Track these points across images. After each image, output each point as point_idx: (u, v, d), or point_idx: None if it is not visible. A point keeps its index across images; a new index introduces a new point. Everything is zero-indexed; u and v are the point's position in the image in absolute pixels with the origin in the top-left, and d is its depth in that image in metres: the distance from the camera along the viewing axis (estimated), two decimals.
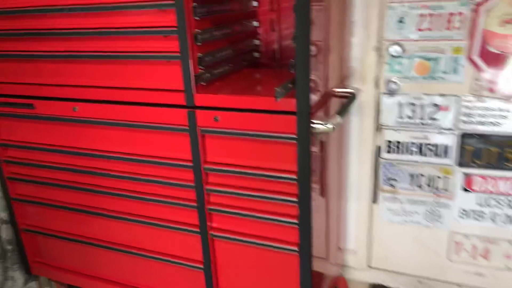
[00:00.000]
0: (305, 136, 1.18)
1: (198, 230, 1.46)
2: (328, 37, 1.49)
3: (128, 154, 1.48)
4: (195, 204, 1.43)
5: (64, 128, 1.56)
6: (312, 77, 1.42)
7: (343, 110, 1.37)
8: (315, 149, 1.58)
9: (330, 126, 1.19)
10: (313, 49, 1.43)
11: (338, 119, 1.24)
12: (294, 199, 1.28)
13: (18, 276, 2.04)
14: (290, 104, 1.17)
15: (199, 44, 1.26)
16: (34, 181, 1.71)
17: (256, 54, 1.69)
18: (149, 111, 1.37)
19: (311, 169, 1.23)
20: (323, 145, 1.61)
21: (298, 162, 1.22)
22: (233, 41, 1.50)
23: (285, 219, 1.31)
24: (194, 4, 1.22)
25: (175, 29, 1.22)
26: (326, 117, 1.33)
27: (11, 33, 1.48)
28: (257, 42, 1.67)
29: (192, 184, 1.40)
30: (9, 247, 2.07)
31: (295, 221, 1.30)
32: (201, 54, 1.28)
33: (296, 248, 1.33)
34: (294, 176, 1.25)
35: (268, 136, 1.25)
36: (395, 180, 1.75)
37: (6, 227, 2.01)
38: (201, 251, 1.47)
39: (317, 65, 1.45)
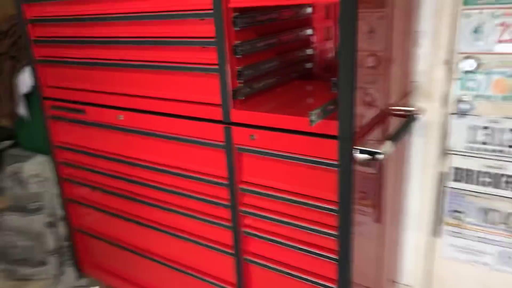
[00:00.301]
0: (347, 164, 1.04)
1: (232, 251, 1.37)
2: (390, 47, 1.32)
3: (167, 166, 1.44)
4: (229, 225, 1.34)
5: (110, 135, 1.57)
6: (370, 90, 1.28)
7: (397, 135, 1.20)
8: (371, 169, 1.43)
9: (378, 155, 1.03)
10: (372, 60, 1.28)
11: (388, 146, 1.08)
12: (333, 232, 1.14)
13: (71, 272, 2.13)
14: (331, 127, 1.04)
15: (238, 56, 1.17)
16: (85, 184, 1.75)
17: (309, 65, 1.57)
18: (187, 124, 1.31)
19: (353, 200, 1.08)
20: (380, 165, 1.44)
21: (339, 192, 1.08)
22: (281, 51, 1.39)
23: (322, 252, 1.18)
24: (235, 14, 1.13)
25: (213, 40, 1.15)
26: (380, 140, 1.17)
27: (66, 40, 1.52)
28: (310, 51, 1.55)
29: (227, 203, 1.32)
30: (65, 243, 2.17)
31: (333, 256, 1.16)
32: (241, 68, 1.19)
33: (333, 286, 1.19)
34: (334, 207, 1.12)
35: (306, 160, 1.12)
36: (461, 212, 1.52)
37: (62, 224, 2.11)
38: (234, 274, 1.39)
39: (376, 77, 1.30)
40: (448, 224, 1.57)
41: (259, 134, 1.18)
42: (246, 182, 1.28)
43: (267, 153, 1.19)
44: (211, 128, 1.26)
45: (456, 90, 1.41)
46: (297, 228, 1.21)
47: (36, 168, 2.11)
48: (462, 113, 1.41)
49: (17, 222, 2.22)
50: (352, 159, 1.04)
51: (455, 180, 1.50)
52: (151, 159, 1.48)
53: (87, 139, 1.66)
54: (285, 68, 1.42)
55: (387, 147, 1.07)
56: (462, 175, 1.48)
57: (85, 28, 1.45)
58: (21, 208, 2.20)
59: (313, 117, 0.94)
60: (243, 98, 1.22)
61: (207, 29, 1.15)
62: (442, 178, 1.53)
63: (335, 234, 1.13)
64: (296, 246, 1.22)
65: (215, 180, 1.32)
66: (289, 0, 1.04)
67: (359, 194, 1.42)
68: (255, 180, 1.26)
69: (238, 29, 1.15)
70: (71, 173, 1.80)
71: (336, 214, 1.11)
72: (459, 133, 1.44)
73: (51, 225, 2.14)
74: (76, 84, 1.58)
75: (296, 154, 1.13)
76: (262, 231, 1.30)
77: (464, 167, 1.47)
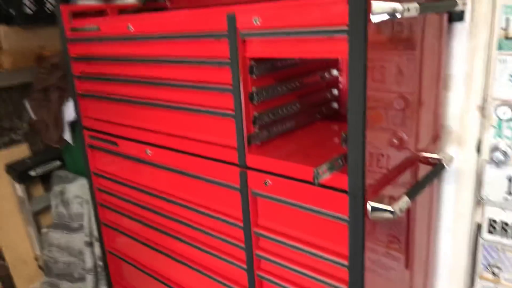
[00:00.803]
0: (358, 220, 1.00)
1: None
2: (419, 89, 1.27)
3: (188, 201, 1.47)
4: (245, 267, 1.34)
5: (139, 168, 1.63)
6: (398, 134, 1.24)
7: (421, 186, 1.14)
8: (409, 216, 1.37)
9: (392, 214, 0.99)
10: (400, 102, 1.24)
11: (404, 203, 1.03)
12: (344, 286, 1.10)
13: None
14: (342, 180, 1.01)
15: (255, 103, 1.18)
16: (116, 210, 1.83)
17: (335, 105, 1.54)
18: (205, 164, 1.34)
19: (364, 256, 1.04)
20: (409, 209, 1.38)
21: (349, 248, 1.04)
22: (303, 94, 1.38)
23: None
24: (252, 63, 1.14)
25: (229, 87, 1.17)
26: (402, 192, 1.12)
27: (104, 77, 1.61)
28: (336, 92, 1.52)
29: (242, 245, 1.32)
30: (100, 263, 2.27)
31: None
32: (257, 113, 1.19)
33: None
34: (344, 262, 1.08)
35: (317, 211, 1.10)
36: (498, 268, 1.41)
37: (98, 244, 2.21)
38: None
39: (405, 120, 1.25)
40: (483, 278, 1.45)
41: (273, 180, 1.17)
42: (261, 227, 1.27)
43: (280, 200, 1.18)
44: (228, 170, 1.27)
45: (491, 138, 1.32)
46: (310, 279, 1.18)
47: (78, 190, 2.24)
48: (499, 163, 1.31)
49: (60, 239, 2.37)
50: (364, 215, 1.00)
51: (491, 232, 1.39)
52: (174, 193, 1.52)
53: (119, 168, 1.74)
54: (308, 110, 1.41)
55: (402, 204, 1.02)
56: (499, 228, 1.37)
57: (120, 68, 1.53)
58: (64, 226, 2.34)
59: (317, 175, 0.92)
60: (260, 142, 1.22)
61: (225, 76, 1.17)
62: (477, 229, 1.42)
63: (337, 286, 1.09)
64: None
65: (231, 221, 1.33)
66: (302, 54, 1.03)
67: (388, 238, 1.36)
68: (271, 225, 1.25)
69: (255, 77, 1.16)
70: (105, 199, 1.88)
71: (346, 268, 1.07)
72: (495, 183, 1.34)
73: (89, 244, 2.25)
74: (111, 117, 1.67)
75: (307, 204, 1.11)
76: (277, 277, 1.28)
77: (501, 219, 1.36)
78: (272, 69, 1.22)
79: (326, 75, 1.48)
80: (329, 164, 0.96)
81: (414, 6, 0.90)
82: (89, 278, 2.31)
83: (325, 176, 0.96)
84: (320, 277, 1.15)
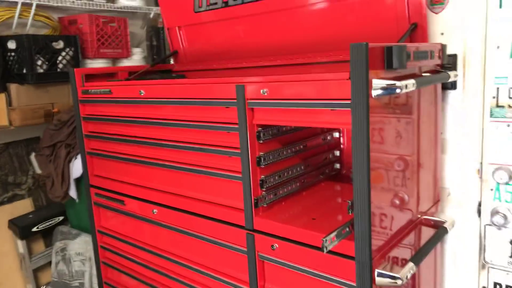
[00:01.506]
0: (366, 286, 1.01)
1: None
2: (418, 151, 1.32)
3: (193, 262, 1.47)
4: None
5: (146, 227, 1.64)
6: (400, 194, 1.27)
7: (424, 251, 1.16)
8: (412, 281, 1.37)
9: (398, 281, 1.00)
10: (400, 163, 1.29)
11: (409, 268, 1.04)
12: None
13: None
14: (349, 247, 1.03)
15: (262, 166, 1.22)
16: (120, 270, 1.81)
17: (337, 165, 1.59)
18: (213, 226, 1.36)
19: None
20: (415, 275, 1.38)
21: None
22: (307, 156, 1.43)
23: None
24: (259, 129, 1.20)
25: (238, 151, 1.22)
26: (406, 257, 1.13)
27: (112, 137, 1.67)
28: (337, 153, 1.57)
29: None
30: None
31: None
32: (264, 176, 1.23)
33: None
34: None
35: (325, 277, 1.11)
36: None
37: None
38: None
39: (405, 181, 1.29)
40: None
41: (280, 245, 1.19)
42: None
43: (287, 265, 1.19)
44: (235, 232, 1.29)
45: (490, 201, 1.35)
46: None
47: (80, 247, 2.22)
48: (499, 226, 1.34)
49: None
50: (371, 282, 1.01)
51: None
52: (178, 254, 1.52)
53: (124, 227, 1.75)
54: (311, 171, 1.45)
55: (408, 271, 1.03)
56: None
57: (130, 129, 1.59)
58: (64, 285, 2.30)
59: (326, 244, 0.94)
60: (266, 205, 1.25)
61: (233, 140, 1.22)
62: None
63: None
64: None
65: (238, 284, 1.33)
66: (307, 123, 1.09)
67: None
68: None
69: (262, 141, 1.21)
70: (108, 257, 1.87)
71: None
72: (498, 246, 1.36)
73: None
74: (118, 176, 1.70)
75: (315, 270, 1.12)
76: None
77: (505, 283, 1.36)
78: (278, 134, 1.28)
79: (328, 137, 1.54)
80: (337, 232, 0.99)
81: (412, 82, 0.97)
82: None
83: (333, 244, 0.98)
84: None
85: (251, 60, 1.76)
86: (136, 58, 2.90)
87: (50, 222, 2.40)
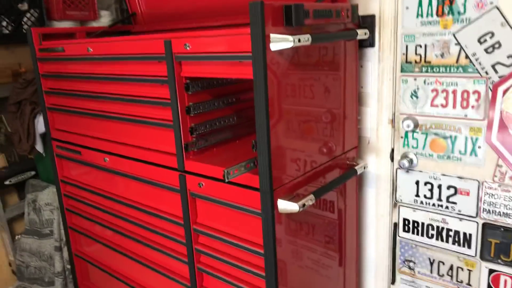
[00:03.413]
0: (268, 213, 1.19)
1: (189, 284, 1.53)
2: (344, 105, 1.48)
3: (139, 203, 1.65)
4: (186, 260, 1.51)
5: (100, 174, 1.80)
6: (329, 144, 1.44)
7: (325, 188, 1.34)
8: (332, 215, 1.56)
9: (295, 207, 1.18)
10: (328, 116, 1.45)
11: (308, 200, 1.22)
12: (261, 273, 1.28)
13: None
14: (255, 180, 1.20)
15: (191, 115, 1.37)
16: (80, 214, 1.99)
17: None
18: (151, 169, 1.52)
19: (275, 246, 1.22)
20: (340, 213, 1.57)
21: (263, 238, 1.22)
22: (240, 109, 1.57)
23: None
24: (187, 81, 1.34)
25: (168, 101, 1.36)
26: (312, 191, 1.30)
27: (67, 93, 1.80)
28: None
29: (183, 241, 1.49)
30: (68, 267, 2.41)
31: None
32: (194, 125, 1.38)
33: None
34: (260, 250, 1.26)
35: (239, 208, 1.28)
36: (413, 262, 1.60)
37: (65, 249, 2.35)
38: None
39: (332, 131, 1.45)
40: (401, 272, 1.64)
41: (205, 183, 1.36)
42: (200, 224, 1.45)
43: (211, 199, 1.36)
44: (169, 174, 1.45)
45: (400, 147, 1.52)
46: (238, 269, 1.36)
47: (49, 197, 2.39)
48: (407, 169, 1.52)
49: (31, 245, 2.51)
50: (273, 209, 1.19)
51: (405, 231, 1.59)
52: (127, 197, 1.69)
53: (83, 175, 1.91)
54: (245, 123, 1.60)
55: (309, 201, 1.21)
56: (410, 226, 1.57)
57: (81, 84, 1.72)
58: (35, 232, 2.48)
59: (228, 175, 1.11)
60: (197, 150, 1.41)
61: (165, 92, 1.37)
62: (394, 228, 1.61)
63: (263, 275, 1.27)
64: (232, 283, 1.37)
65: (174, 219, 1.51)
66: (222, 75, 1.23)
67: (325, 238, 1.55)
68: (207, 223, 1.43)
69: (191, 93, 1.36)
70: (71, 204, 2.05)
71: (262, 256, 1.25)
72: (406, 187, 1.54)
73: (59, 249, 2.40)
74: (75, 129, 1.85)
75: (231, 202, 1.30)
76: (213, 269, 1.45)
77: (412, 219, 1.56)
78: (208, 86, 1.42)
79: None
80: (239, 165, 1.15)
81: (307, 37, 1.11)
82: (58, 281, 2.44)
83: (236, 175, 1.15)
84: (245, 266, 1.33)
85: (200, 21, 1.87)
86: (104, 21, 2.97)
87: (22, 176, 2.55)
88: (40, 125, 2.22)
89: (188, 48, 1.26)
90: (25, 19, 2.41)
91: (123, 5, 3.38)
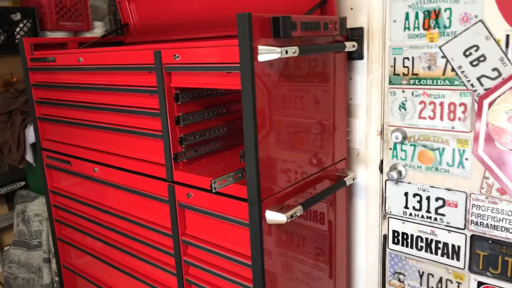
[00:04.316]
0: (256, 224, 1.18)
1: None
2: (333, 117, 1.48)
3: (128, 214, 1.64)
4: (174, 272, 1.50)
5: (90, 185, 1.79)
6: (318, 155, 1.44)
7: (314, 199, 1.34)
8: (322, 227, 1.56)
9: (283, 218, 1.17)
10: (318, 127, 1.45)
11: (296, 211, 1.22)
12: (250, 285, 1.27)
13: None
14: (243, 191, 1.19)
15: (181, 126, 1.37)
16: (69, 225, 1.97)
17: None
18: (140, 180, 1.52)
19: (263, 257, 1.21)
20: (330, 225, 1.57)
21: (251, 249, 1.22)
22: (230, 119, 1.58)
23: None
24: (176, 92, 1.35)
25: (158, 112, 1.36)
26: (301, 202, 1.30)
27: (58, 103, 1.80)
28: None
29: (172, 252, 1.48)
30: (56, 279, 2.37)
31: None
32: (183, 135, 1.39)
33: None
34: (248, 262, 1.25)
35: (227, 218, 1.28)
36: (402, 274, 1.59)
37: (54, 260, 2.33)
38: None
39: (322, 142, 1.46)
40: (391, 285, 1.63)
41: (194, 193, 1.35)
42: (188, 235, 1.44)
43: (200, 210, 1.36)
44: (158, 184, 1.45)
45: (389, 159, 1.53)
46: (226, 281, 1.35)
47: (38, 209, 2.37)
48: (396, 180, 1.52)
49: (20, 256, 2.47)
50: (261, 220, 1.18)
51: (394, 242, 1.58)
52: (117, 207, 1.68)
53: (72, 186, 1.90)
54: (235, 133, 1.60)
55: (293, 212, 1.21)
56: (400, 238, 1.57)
57: (72, 94, 1.72)
58: (24, 244, 2.45)
59: (215, 185, 1.11)
60: (186, 160, 1.41)
61: (154, 102, 1.37)
62: (384, 240, 1.61)
63: (250, 287, 1.26)
64: None
65: (163, 230, 1.50)
66: (219, 85, 1.23)
67: (315, 250, 1.54)
68: (197, 234, 1.43)
69: (180, 103, 1.36)
70: (60, 215, 2.03)
71: (250, 268, 1.24)
72: (395, 198, 1.54)
73: (47, 260, 2.37)
74: (66, 139, 1.84)
75: (221, 212, 1.29)
76: (201, 281, 1.44)
77: (402, 230, 1.56)
78: (198, 97, 1.43)
79: None
80: (227, 176, 1.15)
81: (294, 49, 1.12)
82: None
83: (223, 186, 1.15)
84: (234, 278, 1.32)
85: (192, 32, 1.89)
86: (98, 32, 2.98)
87: (12, 187, 2.53)
88: (30, 135, 2.21)
89: (177, 58, 1.27)
90: (18, 29, 2.41)
91: (117, 16, 3.41)
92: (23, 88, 2.25)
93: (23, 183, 2.57)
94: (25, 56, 1.86)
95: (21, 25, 2.43)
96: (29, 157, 2.27)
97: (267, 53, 1.08)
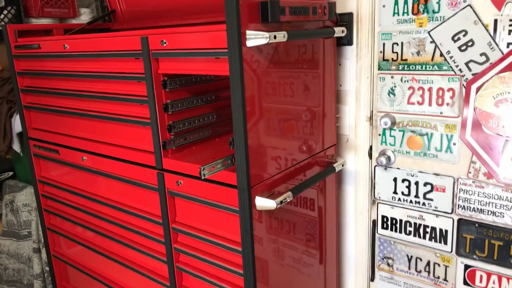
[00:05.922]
0: (246, 211, 1.19)
1: (167, 284, 1.52)
2: (323, 103, 1.48)
3: (118, 203, 1.63)
4: (165, 259, 1.50)
5: (78, 174, 1.78)
6: (308, 142, 1.44)
7: (303, 185, 1.34)
8: (312, 213, 1.56)
9: (272, 204, 1.18)
10: (308, 114, 1.45)
11: (286, 197, 1.22)
12: (240, 271, 1.27)
13: None
14: (233, 177, 1.19)
15: (169, 113, 1.36)
16: (58, 214, 1.95)
17: None
18: (130, 168, 1.50)
19: (253, 243, 1.21)
20: (320, 211, 1.57)
21: (241, 236, 1.22)
22: (220, 106, 1.57)
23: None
24: (164, 78, 1.33)
25: (146, 99, 1.35)
26: (290, 188, 1.30)
27: (45, 91, 1.77)
28: None
29: (162, 240, 1.48)
30: (47, 269, 2.36)
31: None
32: (172, 122, 1.37)
33: None
34: (239, 248, 1.25)
35: (217, 205, 1.28)
36: (391, 259, 1.61)
37: (44, 250, 2.31)
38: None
39: (312, 129, 1.45)
40: (380, 269, 1.65)
41: (184, 181, 1.35)
42: (178, 223, 1.44)
43: (190, 198, 1.35)
44: (147, 172, 1.44)
45: (378, 145, 1.54)
46: (216, 267, 1.35)
47: (27, 198, 2.34)
48: (385, 166, 1.53)
49: (9, 247, 2.45)
50: (251, 206, 1.19)
51: (384, 227, 1.60)
52: (106, 196, 1.67)
53: (61, 175, 1.88)
54: (225, 121, 1.59)
55: (283, 198, 1.21)
56: (389, 223, 1.58)
57: (58, 82, 1.70)
58: (13, 234, 2.43)
59: (204, 172, 1.10)
60: (175, 148, 1.40)
61: (142, 89, 1.35)
62: (373, 225, 1.63)
63: (241, 273, 1.26)
64: (213, 282, 1.36)
65: (153, 218, 1.49)
66: (207, 71, 1.22)
67: (305, 236, 1.55)
68: (187, 221, 1.42)
69: (168, 90, 1.35)
70: (49, 204, 2.01)
71: (240, 254, 1.25)
72: (384, 184, 1.55)
73: (37, 250, 2.35)
74: (52, 128, 1.82)
75: (211, 200, 1.29)
76: (192, 268, 1.44)
77: (390, 216, 1.57)
78: (187, 84, 1.41)
79: None
80: (216, 162, 1.15)
81: (283, 34, 1.11)
82: (37, 284, 2.39)
83: (213, 172, 1.14)
84: (224, 265, 1.33)
85: (180, 18, 1.86)
86: (84, 19, 2.93)
87: (0, 177, 2.50)
88: (17, 124, 2.17)
89: (165, 44, 1.25)
90: (2, 16, 2.36)
91: (104, 3, 3.35)
92: (9, 77, 2.20)
93: (11, 173, 2.54)
94: (10, 43, 1.82)
95: (5, 12, 2.38)
96: (16, 146, 2.24)
97: (255, 38, 1.07)
